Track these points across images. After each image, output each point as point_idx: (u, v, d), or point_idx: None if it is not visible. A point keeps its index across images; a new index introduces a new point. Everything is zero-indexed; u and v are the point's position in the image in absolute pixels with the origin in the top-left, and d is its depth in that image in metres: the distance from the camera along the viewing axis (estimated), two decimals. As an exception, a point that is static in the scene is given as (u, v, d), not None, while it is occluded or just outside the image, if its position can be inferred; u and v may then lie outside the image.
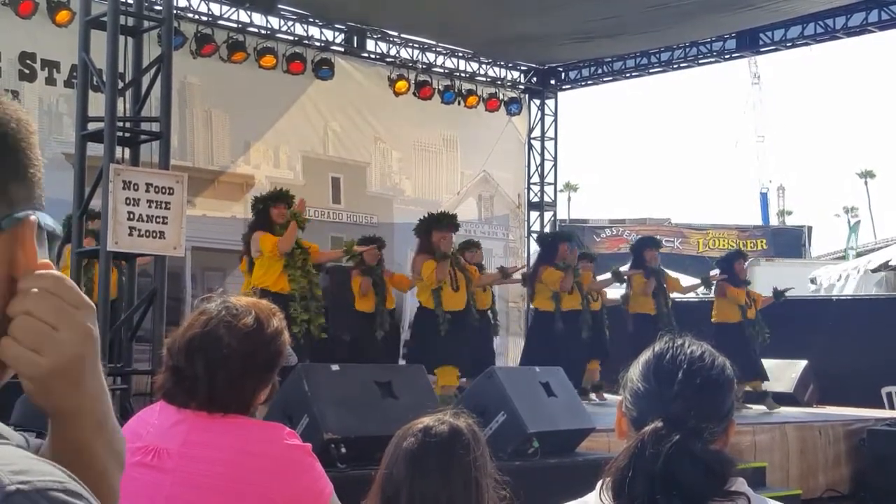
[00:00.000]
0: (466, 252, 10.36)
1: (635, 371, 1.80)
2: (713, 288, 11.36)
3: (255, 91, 11.92)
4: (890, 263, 15.17)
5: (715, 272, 11.51)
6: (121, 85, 7.23)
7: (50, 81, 10.37)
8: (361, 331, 9.88)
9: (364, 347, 9.62)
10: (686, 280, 11.86)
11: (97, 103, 7.43)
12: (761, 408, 10.42)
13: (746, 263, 11.79)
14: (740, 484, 1.68)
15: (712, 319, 10.81)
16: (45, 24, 10.14)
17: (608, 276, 11.60)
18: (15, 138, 0.93)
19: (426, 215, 10.03)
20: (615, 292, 11.93)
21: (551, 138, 15.38)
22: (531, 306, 10.94)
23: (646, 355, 1.80)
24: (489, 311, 10.64)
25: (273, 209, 8.64)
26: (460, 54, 14.08)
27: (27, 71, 10.26)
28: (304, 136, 12.65)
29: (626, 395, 1.80)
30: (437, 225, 9.65)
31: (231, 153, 11.95)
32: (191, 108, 11.55)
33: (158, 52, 7.41)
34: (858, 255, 23.45)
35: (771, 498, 1.81)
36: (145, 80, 7.42)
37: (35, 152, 0.95)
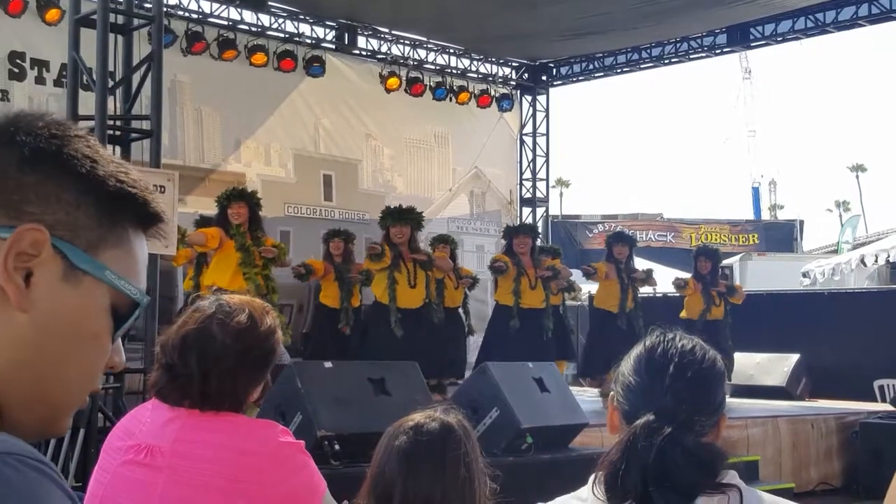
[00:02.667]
0: (435, 248, 10.31)
1: (627, 365, 1.81)
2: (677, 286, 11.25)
3: (246, 89, 11.90)
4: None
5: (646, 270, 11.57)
6: (111, 83, 7.22)
7: (40, 80, 10.33)
8: (326, 327, 9.78)
9: (328, 344, 9.49)
10: (641, 264, 11.70)
11: (87, 102, 7.42)
12: (750, 401, 10.45)
13: (712, 263, 11.52)
14: (732, 476, 1.69)
15: (680, 315, 10.79)
16: (35, 22, 10.11)
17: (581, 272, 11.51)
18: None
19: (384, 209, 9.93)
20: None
21: (543, 134, 15.41)
22: (494, 298, 10.72)
23: (637, 349, 1.81)
24: (460, 310, 10.50)
25: (229, 209, 8.49)
26: (451, 51, 14.08)
27: (17, 70, 10.22)
28: (296, 134, 12.64)
29: (618, 389, 1.80)
30: (389, 219, 9.50)
31: (222, 151, 11.92)
32: (181, 107, 11.52)
33: (148, 50, 7.39)
34: (855, 248, 23.51)
35: (764, 491, 1.82)
36: (135, 79, 7.41)
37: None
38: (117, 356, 0.96)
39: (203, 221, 9.47)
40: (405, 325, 9.10)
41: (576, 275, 11.96)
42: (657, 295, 13.69)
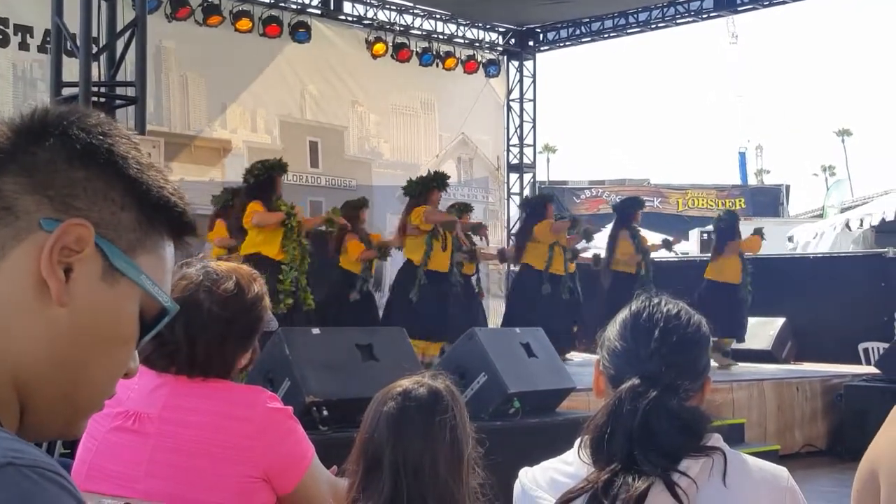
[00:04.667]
0: (464, 216, 10.49)
1: (612, 330, 1.82)
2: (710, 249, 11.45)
3: (231, 55, 11.80)
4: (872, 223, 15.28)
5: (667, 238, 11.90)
6: (95, 49, 7.16)
7: (23, 47, 10.23)
8: (339, 292, 9.80)
9: (335, 311, 9.53)
10: (651, 237, 11.92)
11: (71, 68, 7.36)
12: (745, 364, 10.55)
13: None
14: (716, 440, 1.71)
15: (706, 276, 10.83)
16: (17, -12, 10.01)
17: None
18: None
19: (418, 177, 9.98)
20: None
21: (530, 100, 15.36)
22: (521, 262, 10.88)
23: (623, 314, 1.82)
24: (473, 277, 10.68)
25: (279, 177, 8.64)
26: (438, 16, 13.99)
27: (0, 36, 10.12)
28: (281, 101, 12.56)
29: (604, 353, 1.82)
30: (433, 184, 9.64)
31: (207, 118, 11.84)
32: (166, 73, 11.43)
33: (133, 16, 7.33)
34: (841, 212, 23.61)
35: (749, 454, 1.84)
36: (120, 45, 7.35)
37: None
38: (133, 362, 0.96)
39: (228, 193, 9.43)
40: (431, 291, 9.25)
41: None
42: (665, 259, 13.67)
